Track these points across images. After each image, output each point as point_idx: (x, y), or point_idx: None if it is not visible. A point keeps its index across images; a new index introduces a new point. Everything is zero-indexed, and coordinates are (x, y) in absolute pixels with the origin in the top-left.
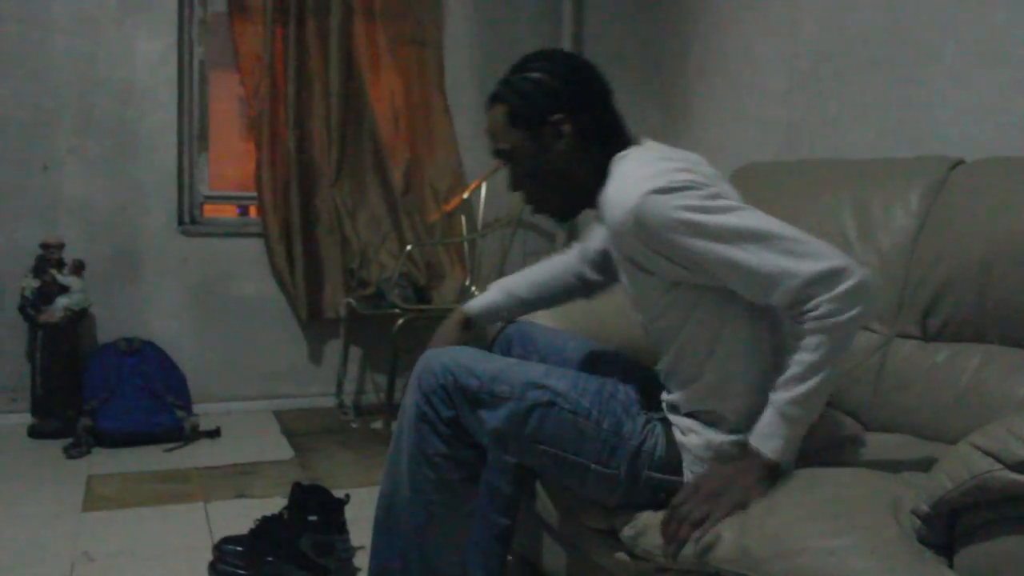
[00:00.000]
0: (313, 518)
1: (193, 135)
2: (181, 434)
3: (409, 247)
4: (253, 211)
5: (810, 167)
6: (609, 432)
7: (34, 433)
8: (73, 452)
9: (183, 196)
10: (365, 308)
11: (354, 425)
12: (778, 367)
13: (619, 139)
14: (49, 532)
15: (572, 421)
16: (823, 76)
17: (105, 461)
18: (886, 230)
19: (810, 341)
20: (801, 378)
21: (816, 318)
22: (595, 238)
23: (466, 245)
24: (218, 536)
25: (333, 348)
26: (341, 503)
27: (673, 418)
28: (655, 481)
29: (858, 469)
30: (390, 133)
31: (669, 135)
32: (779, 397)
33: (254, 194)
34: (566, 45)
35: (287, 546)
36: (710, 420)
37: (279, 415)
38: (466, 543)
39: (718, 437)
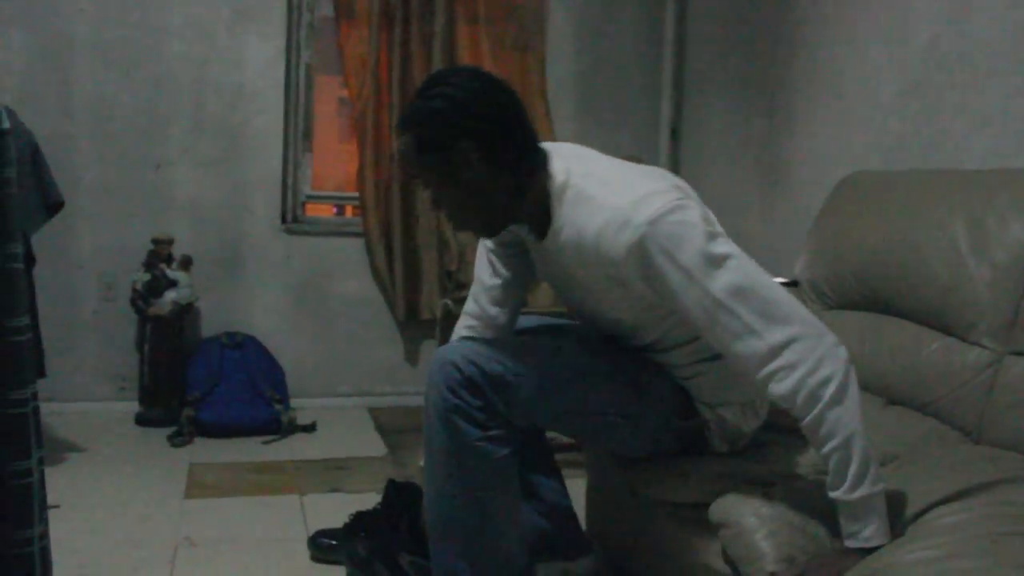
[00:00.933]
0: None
1: (298, 136)
2: (278, 427)
3: None
4: (349, 211)
5: (920, 177)
6: (629, 386)
7: (141, 421)
8: (177, 441)
9: (287, 195)
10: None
11: None
12: None
13: (532, 155)
14: (154, 517)
15: (593, 381)
16: (937, 84)
17: (206, 450)
18: (1000, 243)
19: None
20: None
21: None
22: (483, 268)
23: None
24: (313, 528)
25: (429, 348)
26: None
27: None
28: (678, 426)
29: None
30: None
31: (772, 143)
32: (836, 495)
33: (355, 194)
34: (668, 52)
35: (387, 554)
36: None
37: (374, 412)
38: (521, 516)
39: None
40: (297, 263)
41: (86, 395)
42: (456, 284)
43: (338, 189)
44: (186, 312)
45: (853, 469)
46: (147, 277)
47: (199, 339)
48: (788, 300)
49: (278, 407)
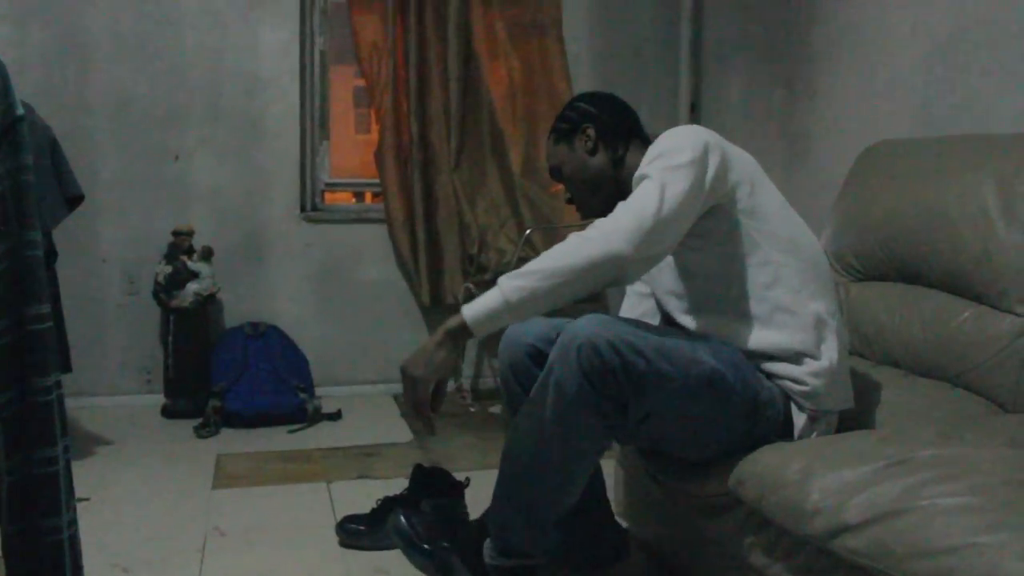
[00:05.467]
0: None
1: (315, 123)
2: (304, 416)
3: (528, 231)
4: (368, 198)
5: (948, 144)
6: (751, 403)
7: (167, 413)
8: (203, 432)
9: (305, 183)
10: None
11: (472, 409)
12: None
13: (639, 139)
14: (182, 507)
15: (725, 397)
16: (963, 46)
17: (233, 440)
18: None
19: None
20: (535, 261)
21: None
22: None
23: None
24: (341, 514)
25: None
26: (462, 485)
27: (771, 368)
28: (773, 441)
29: (1001, 451)
30: (509, 119)
31: (794, 114)
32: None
33: (375, 180)
34: (685, 24)
35: (408, 509)
36: (795, 360)
37: (399, 399)
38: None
39: (817, 365)
40: (318, 251)
41: (112, 389)
42: (478, 268)
43: (355, 178)
44: (209, 303)
45: (529, 268)
46: (169, 269)
47: (222, 330)
48: (666, 208)
49: (303, 396)
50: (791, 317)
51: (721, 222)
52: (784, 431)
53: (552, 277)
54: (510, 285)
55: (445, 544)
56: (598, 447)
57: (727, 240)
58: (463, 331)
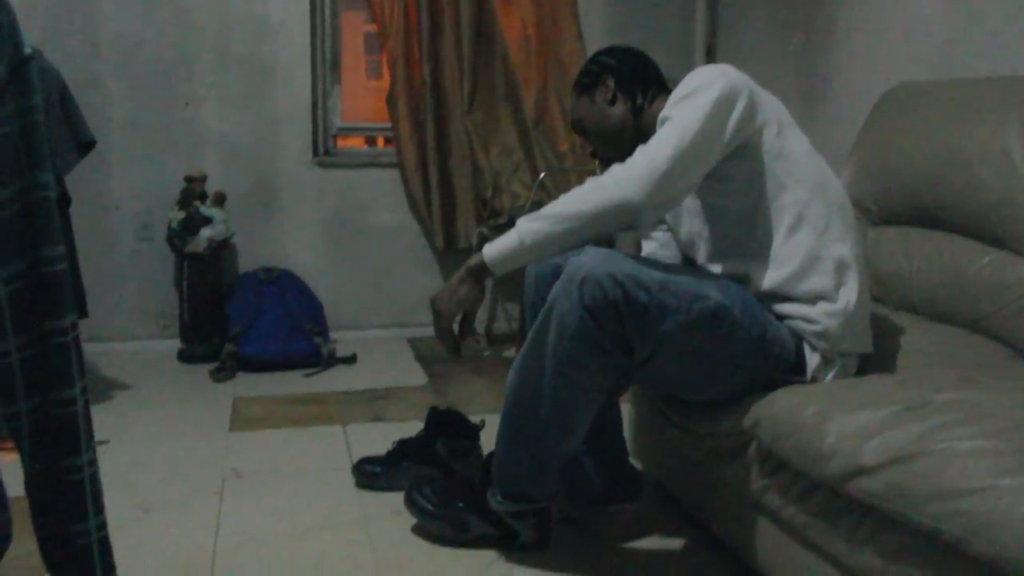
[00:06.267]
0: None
1: (326, 67)
2: (319, 360)
3: (542, 174)
4: (381, 143)
5: (970, 86)
6: (758, 340)
7: (183, 357)
8: (219, 376)
9: (317, 128)
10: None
11: (486, 353)
12: (856, 250)
13: (658, 89)
14: (200, 450)
15: (730, 331)
16: None
17: (249, 384)
18: None
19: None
20: (551, 205)
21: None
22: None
23: (599, 171)
24: (356, 456)
25: None
26: (476, 428)
27: (783, 309)
28: (785, 382)
29: (1019, 396)
30: (522, 62)
31: (811, 58)
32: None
33: (387, 125)
34: None
35: (423, 450)
36: (811, 301)
37: (413, 342)
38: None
39: (832, 307)
40: (331, 196)
41: (128, 334)
42: (491, 212)
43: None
44: (222, 249)
45: (546, 211)
46: (182, 215)
47: (237, 275)
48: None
49: (318, 340)
50: (814, 260)
51: (747, 164)
52: (796, 372)
53: (565, 221)
54: (526, 227)
55: (460, 504)
56: (600, 386)
57: (753, 182)
58: (483, 269)
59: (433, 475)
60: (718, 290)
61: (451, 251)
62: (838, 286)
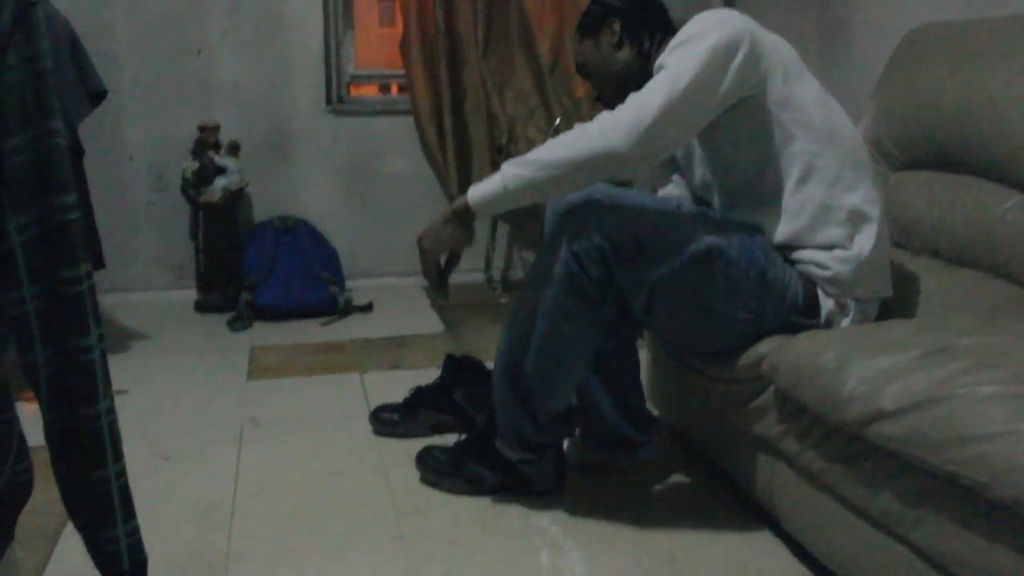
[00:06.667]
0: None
1: (338, 14)
2: (335, 308)
3: (558, 120)
4: (395, 90)
5: (995, 26)
6: (757, 281)
7: (200, 307)
8: (236, 325)
9: (330, 76)
10: (439, 299)
11: (502, 300)
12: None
13: (664, 32)
14: (219, 398)
15: (724, 273)
16: None
17: (266, 333)
18: None
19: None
20: (537, 150)
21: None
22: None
23: None
24: (374, 404)
25: (481, 224)
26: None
27: (795, 255)
28: (797, 325)
29: None
30: (536, 6)
31: (829, 2)
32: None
33: (401, 72)
34: None
35: (440, 397)
36: (825, 248)
37: (429, 290)
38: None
39: (845, 253)
40: (345, 144)
41: (145, 285)
42: (506, 158)
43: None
44: (237, 198)
45: (533, 156)
46: (196, 165)
47: (252, 225)
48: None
49: (334, 288)
50: (825, 211)
51: (753, 114)
52: (809, 316)
53: (548, 168)
54: (510, 172)
55: (469, 461)
56: (587, 340)
57: (759, 132)
58: (466, 211)
59: (449, 422)
60: (713, 231)
61: None
62: (852, 235)
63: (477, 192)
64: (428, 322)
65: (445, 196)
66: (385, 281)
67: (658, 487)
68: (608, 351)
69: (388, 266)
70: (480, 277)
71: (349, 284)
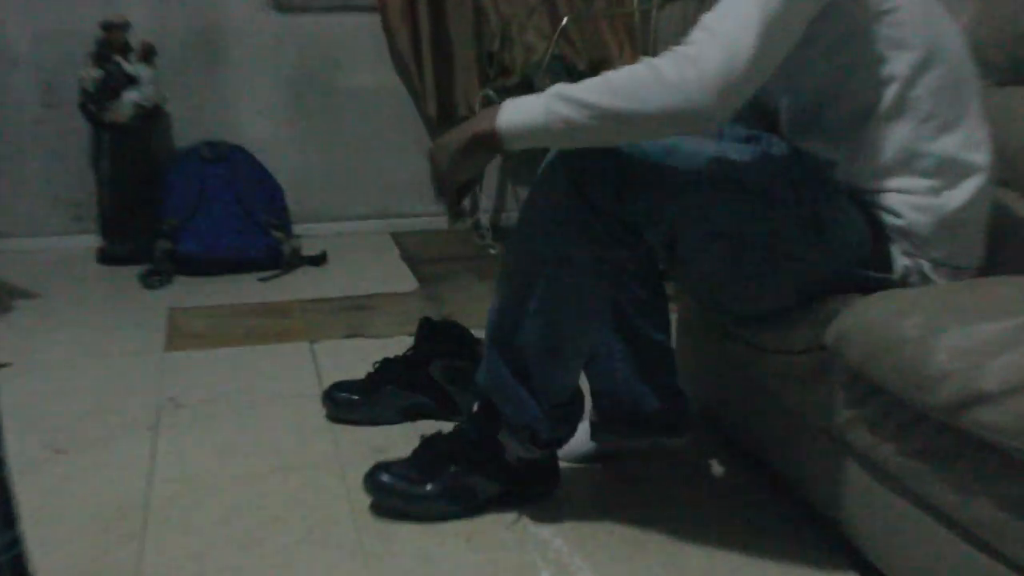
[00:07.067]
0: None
1: None
2: (279, 260)
3: (565, 20)
4: None
5: None
6: (809, 220)
7: (105, 258)
8: (152, 280)
9: None
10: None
11: (493, 251)
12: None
13: None
14: (129, 375)
15: (766, 207)
16: None
17: (190, 291)
18: None
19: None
20: (595, 87)
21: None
22: None
23: (637, 17)
24: (328, 381)
25: None
26: (479, 343)
27: (864, 198)
28: (867, 281)
29: None
30: None
31: None
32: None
33: None
34: None
35: (412, 373)
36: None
37: (399, 238)
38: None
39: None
40: (293, 50)
41: (33, 228)
42: (499, 68)
43: None
44: (153, 118)
45: (582, 89)
46: (99, 74)
47: (172, 152)
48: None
49: (277, 235)
50: (909, 157)
51: (838, 24)
52: (879, 268)
53: (606, 119)
54: (556, 109)
55: (453, 468)
56: (595, 294)
57: (842, 47)
58: (493, 139)
59: (423, 404)
60: (753, 154)
61: (446, 120)
62: (940, 188)
63: (514, 119)
64: (397, 278)
65: (420, 118)
66: (343, 226)
67: (689, 490)
68: (628, 305)
69: (347, 207)
70: (465, 221)
71: (297, 229)
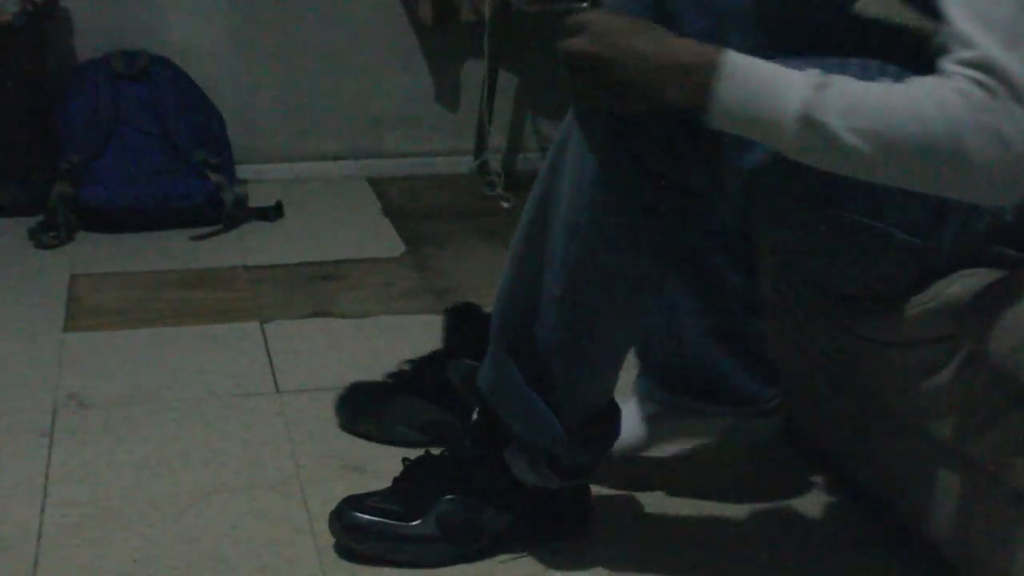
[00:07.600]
0: None
1: None
2: (218, 212)
3: None
4: None
5: None
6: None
7: None
8: (46, 237)
9: None
10: (525, 4)
11: (506, 204)
12: None
13: None
14: (15, 363)
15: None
16: None
17: (96, 252)
18: None
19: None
20: (875, 93)
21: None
22: None
23: None
24: (284, 372)
25: (472, 74)
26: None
27: None
28: (1002, 258)
29: None
30: None
31: None
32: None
33: None
34: None
35: (426, 376)
36: None
37: (380, 185)
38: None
39: None
40: None
41: None
42: None
43: None
44: (45, 19)
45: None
46: None
47: (73, 65)
48: None
49: (215, 178)
50: None
51: None
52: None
53: (879, 148)
54: (814, 115)
55: (449, 497)
56: (639, 274)
57: None
58: (697, 93)
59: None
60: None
61: (446, 29)
62: None
63: (739, 94)
64: (377, 239)
65: (410, 25)
66: (305, 168)
67: (762, 520)
68: (694, 237)
69: (310, 144)
70: (468, 163)
71: (242, 172)
